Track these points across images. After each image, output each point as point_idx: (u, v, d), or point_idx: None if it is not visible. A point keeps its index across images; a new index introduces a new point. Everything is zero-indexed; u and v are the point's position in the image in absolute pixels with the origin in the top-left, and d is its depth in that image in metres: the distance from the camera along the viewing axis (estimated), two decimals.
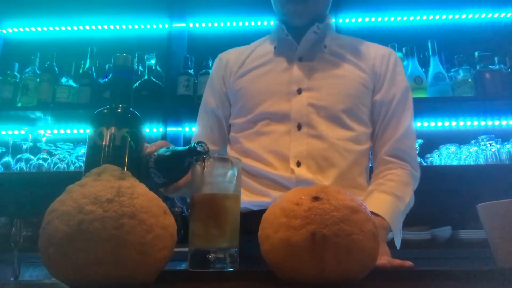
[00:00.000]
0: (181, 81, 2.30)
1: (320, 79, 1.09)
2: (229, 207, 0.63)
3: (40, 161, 2.32)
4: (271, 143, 1.05)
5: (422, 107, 2.20)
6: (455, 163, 2.16)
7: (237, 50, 1.24)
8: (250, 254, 0.67)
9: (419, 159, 2.13)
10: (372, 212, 0.54)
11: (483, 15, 2.53)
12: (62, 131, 2.57)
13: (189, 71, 2.33)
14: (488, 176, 2.08)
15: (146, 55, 2.43)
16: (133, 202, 0.46)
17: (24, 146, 2.34)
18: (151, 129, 2.51)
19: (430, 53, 2.28)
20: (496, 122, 2.41)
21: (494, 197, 0.71)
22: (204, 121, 1.21)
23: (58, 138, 2.49)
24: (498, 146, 2.13)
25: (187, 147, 0.70)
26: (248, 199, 1.02)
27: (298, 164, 1.01)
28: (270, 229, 0.51)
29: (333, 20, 2.35)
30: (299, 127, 1.04)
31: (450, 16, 2.55)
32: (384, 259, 0.73)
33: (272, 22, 1.23)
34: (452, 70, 2.28)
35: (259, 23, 2.64)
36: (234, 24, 2.67)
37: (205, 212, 0.63)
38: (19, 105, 2.34)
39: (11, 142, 2.34)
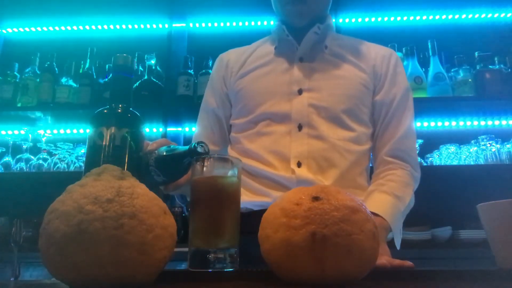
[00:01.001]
0: (181, 81, 2.30)
1: (320, 80, 1.09)
2: (229, 191, 0.63)
3: (40, 161, 2.32)
4: (272, 143, 1.05)
5: (422, 107, 2.20)
6: (455, 163, 2.16)
7: (237, 51, 1.24)
8: (250, 254, 0.67)
9: (419, 159, 2.13)
10: (372, 212, 0.54)
11: (483, 15, 2.53)
12: (62, 131, 2.57)
13: (189, 71, 2.33)
14: (488, 176, 2.08)
15: (146, 55, 2.43)
16: (133, 202, 0.46)
17: (24, 146, 2.34)
18: (151, 129, 2.51)
19: (430, 53, 2.28)
20: (496, 122, 2.41)
21: (494, 197, 0.71)
22: (204, 121, 1.22)
23: (58, 138, 2.49)
24: (498, 146, 2.13)
25: (187, 147, 0.70)
26: (248, 199, 1.03)
27: (299, 165, 1.01)
28: (270, 229, 0.51)
29: (333, 20, 2.36)
30: (299, 127, 1.05)
31: (450, 16, 2.55)
32: (384, 259, 0.73)
33: (272, 22, 1.23)
34: (452, 70, 2.28)
35: (259, 23, 2.64)
36: (234, 24, 2.67)
37: (205, 195, 0.63)
38: (19, 105, 2.34)
39: (11, 142, 2.34)
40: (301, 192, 0.52)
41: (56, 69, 2.41)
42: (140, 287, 0.46)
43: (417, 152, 2.09)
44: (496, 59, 2.26)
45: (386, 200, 1.00)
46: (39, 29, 2.72)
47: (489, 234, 0.72)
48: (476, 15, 2.53)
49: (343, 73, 1.10)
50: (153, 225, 0.46)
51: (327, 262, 0.47)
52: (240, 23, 2.66)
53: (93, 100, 2.30)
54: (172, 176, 0.76)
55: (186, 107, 2.30)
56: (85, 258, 0.42)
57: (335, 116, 1.05)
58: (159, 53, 2.46)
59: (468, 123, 2.41)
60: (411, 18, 2.57)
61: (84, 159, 0.73)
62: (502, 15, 2.52)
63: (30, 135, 2.37)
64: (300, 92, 1.08)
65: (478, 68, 2.22)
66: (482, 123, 2.40)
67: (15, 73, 2.42)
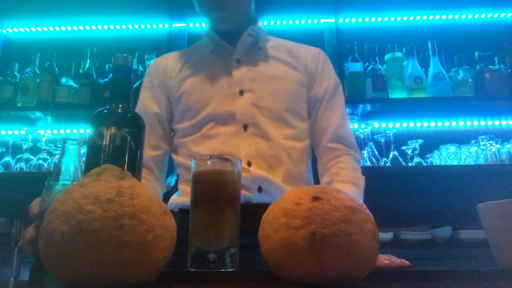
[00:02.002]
0: None
1: (259, 80, 1.12)
2: (229, 189, 0.63)
3: (40, 161, 2.32)
4: (220, 145, 1.06)
5: (422, 107, 2.19)
6: (455, 163, 2.16)
7: (174, 55, 1.25)
8: (250, 254, 0.67)
9: (419, 159, 2.13)
10: None
11: (483, 15, 2.53)
12: (62, 131, 2.57)
13: None
14: (488, 176, 2.07)
15: (146, 55, 2.42)
16: (133, 202, 0.46)
17: (24, 146, 2.33)
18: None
19: (430, 53, 2.28)
20: (496, 122, 2.40)
21: (494, 197, 0.71)
22: (148, 126, 1.20)
23: (58, 138, 2.48)
24: (498, 146, 2.13)
25: None
26: None
27: (249, 164, 1.04)
28: (270, 229, 0.51)
29: (333, 20, 2.37)
30: (245, 127, 1.07)
31: (450, 16, 2.55)
32: (386, 258, 0.74)
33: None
34: (452, 70, 2.28)
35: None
36: None
37: (206, 193, 0.64)
38: (19, 105, 2.34)
39: (11, 142, 2.34)
40: (301, 192, 0.53)
41: (56, 69, 2.40)
42: (140, 287, 0.46)
43: (417, 152, 2.11)
44: (496, 59, 2.26)
45: (348, 189, 1.02)
46: (39, 29, 2.72)
47: (489, 234, 0.72)
48: (476, 15, 2.53)
49: (280, 73, 1.15)
50: (153, 225, 0.46)
51: (327, 262, 0.47)
52: None
53: (93, 100, 2.30)
54: None
55: None
56: (85, 258, 0.42)
57: (278, 115, 1.09)
58: (159, 53, 2.44)
59: (468, 123, 2.41)
60: (411, 18, 2.56)
61: (84, 159, 0.73)
62: (502, 15, 2.52)
63: (30, 135, 2.36)
64: (241, 93, 1.10)
65: (478, 68, 2.22)
66: (482, 123, 2.40)
67: (15, 73, 2.42)
